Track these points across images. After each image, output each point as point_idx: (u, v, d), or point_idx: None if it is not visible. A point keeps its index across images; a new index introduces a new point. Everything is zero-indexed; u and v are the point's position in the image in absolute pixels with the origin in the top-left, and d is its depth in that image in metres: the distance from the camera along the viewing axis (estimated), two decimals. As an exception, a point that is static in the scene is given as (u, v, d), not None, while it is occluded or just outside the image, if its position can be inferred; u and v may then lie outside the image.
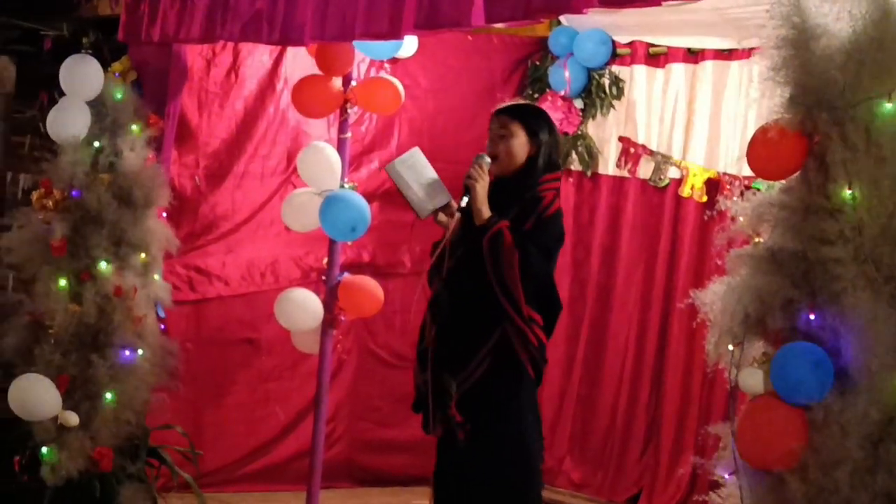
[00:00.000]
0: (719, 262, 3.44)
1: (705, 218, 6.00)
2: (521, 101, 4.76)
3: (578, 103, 6.48)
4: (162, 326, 5.39)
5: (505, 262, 4.09)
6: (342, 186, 5.41)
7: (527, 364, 4.16)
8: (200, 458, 5.60)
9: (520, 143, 4.30)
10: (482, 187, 4.17)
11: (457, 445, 4.21)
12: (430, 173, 4.31)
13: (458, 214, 4.20)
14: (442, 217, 4.31)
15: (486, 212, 4.15)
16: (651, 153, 6.36)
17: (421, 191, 4.29)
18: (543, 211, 4.24)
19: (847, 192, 2.98)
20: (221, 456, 6.08)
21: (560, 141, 4.49)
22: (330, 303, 5.48)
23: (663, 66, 6.34)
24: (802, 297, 3.05)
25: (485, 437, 4.17)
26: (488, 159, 4.26)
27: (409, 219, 6.49)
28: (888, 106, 2.95)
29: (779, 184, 3.22)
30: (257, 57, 6.02)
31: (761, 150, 3.17)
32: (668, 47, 6.29)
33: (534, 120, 4.36)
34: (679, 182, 6.25)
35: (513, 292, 4.09)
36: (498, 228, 4.12)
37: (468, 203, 4.16)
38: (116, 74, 5.40)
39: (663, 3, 3.67)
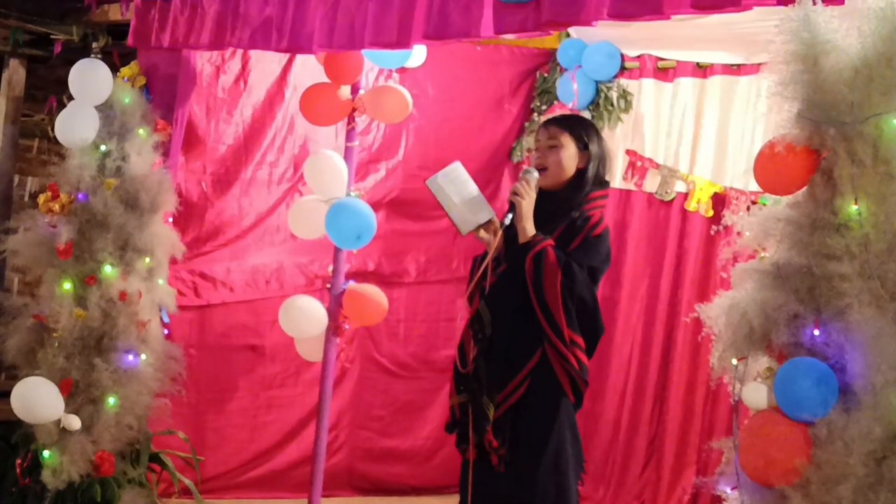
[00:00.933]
0: (724, 276, 3.44)
1: (711, 232, 6.00)
2: (570, 112, 4.63)
3: (586, 115, 6.48)
4: (166, 331, 5.40)
5: (547, 282, 3.95)
6: (349, 194, 5.42)
7: (567, 387, 4.02)
8: (202, 463, 5.61)
9: (569, 155, 4.16)
10: (528, 204, 4.03)
11: (492, 470, 4.06)
12: (473, 188, 4.14)
13: (500, 231, 4.05)
14: (483, 233, 4.13)
15: (530, 229, 4.01)
16: (658, 166, 6.36)
17: (463, 206, 4.12)
18: (591, 230, 4.09)
19: (854, 208, 2.98)
20: (223, 462, 6.08)
21: (608, 154, 4.36)
22: (334, 311, 5.49)
23: (672, 80, 6.33)
24: (807, 313, 3.05)
25: (521, 462, 4.03)
26: (536, 174, 4.12)
27: (415, 228, 6.51)
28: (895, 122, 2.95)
29: (785, 199, 3.22)
30: (266, 64, 6.02)
31: (768, 164, 3.16)
32: (677, 61, 6.29)
33: (584, 131, 4.21)
34: (685, 196, 6.25)
35: (554, 313, 3.96)
36: (542, 247, 3.98)
37: (512, 220, 4.02)
38: (125, 79, 5.42)
39: (672, 17, 3.66)
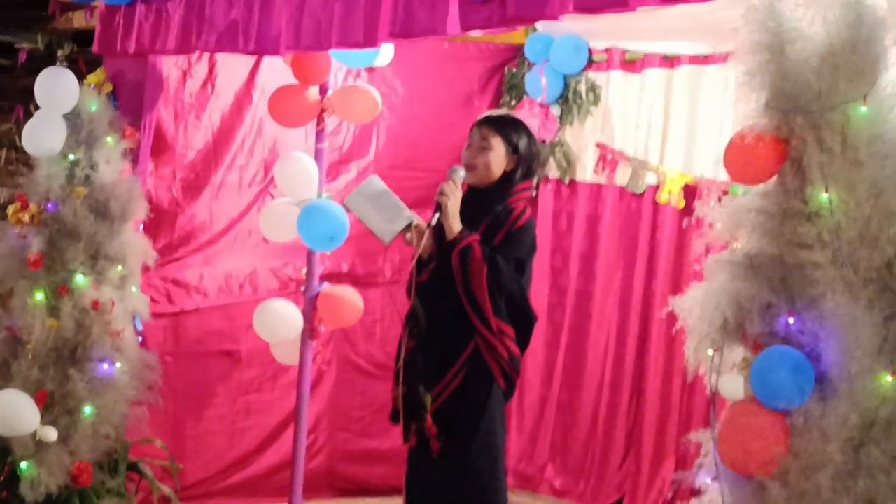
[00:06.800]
0: (697, 268, 3.45)
1: (684, 226, 6.01)
2: (504, 113, 4.81)
3: (555, 110, 6.48)
4: (140, 339, 5.36)
5: (473, 276, 4.17)
6: (320, 196, 5.40)
7: (498, 376, 4.25)
8: (181, 471, 5.57)
9: (499, 158, 4.38)
10: (454, 203, 4.24)
11: (429, 455, 4.28)
12: (389, 198, 4.39)
13: (427, 230, 4.25)
14: (408, 236, 4.35)
15: (456, 227, 4.23)
16: (628, 159, 6.36)
17: (380, 217, 4.36)
18: (514, 223, 4.31)
19: (824, 196, 2.99)
20: (202, 469, 6.04)
21: (539, 153, 4.56)
22: (309, 313, 5.46)
23: (639, 72, 6.34)
24: (781, 302, 3.05)
25: (456, 447, 4.24)
26: (462, 172, 4.33)
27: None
28: (863, 109, 2.96)
29: (756, 188, 3.23)
30: (233, 67, 5.98)
31: (738, 154, 3.17)
32: (644, 53, 6.30)
33: (515, 134, 4.41)
34: (656, 188, 6.25)
35: (481, 305, 4.17)
36: (467, 243, 4.19)
37: (439, 218, 4.23)
38: (92, 86, 5.38)
39: (637, 8, 3.66)
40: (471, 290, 4.18)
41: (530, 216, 4.41)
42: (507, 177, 4.40)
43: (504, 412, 4.40)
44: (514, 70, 6.69)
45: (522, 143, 4.41)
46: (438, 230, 4.29)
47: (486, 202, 4.37)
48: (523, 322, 4.31)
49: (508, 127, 4.45)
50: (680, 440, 6.04)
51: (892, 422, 2.89)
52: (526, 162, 4.41)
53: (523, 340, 4.32)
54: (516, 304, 4.27)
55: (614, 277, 6.47)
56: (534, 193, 6.46)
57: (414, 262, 4.34)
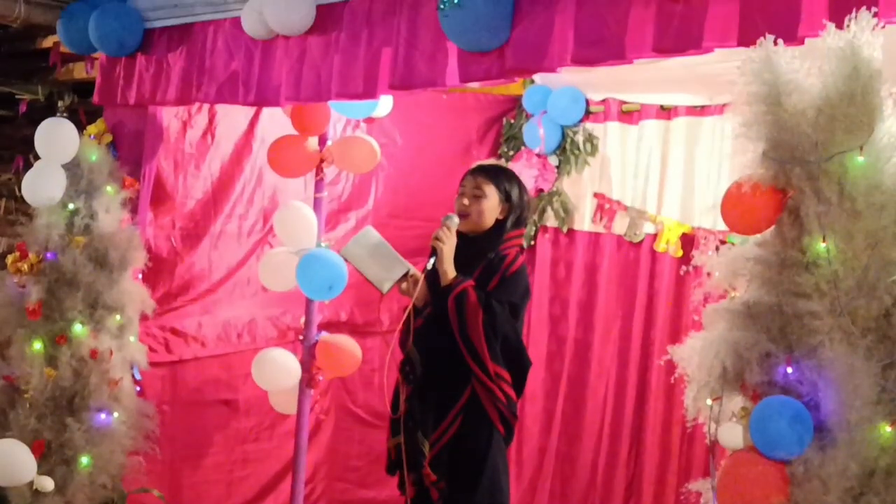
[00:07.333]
0: (696, 318, 3.45)
1: (681, 273, 6.01)
2: (497, 163, 4.88)
3: (553, 160, 6.51)
4: (138, 389, 5.35)
5: (469, 321, 4.23)
6: (319, 245, 5.41)
7: (496, 421, 4.28)
8: (178, 521, 5.56)
9: (492, 206, 4.48)
10: (448, 249, 4.32)
11: None
12: (385, 248, 4.51)
13: (421, 278, 4.35)
14: (404, 286, 4.47)
15: (451, 272, 4.31)
16: (626, 209, 6.37)
17: (377, 266, 4.49)
18: (507, 269, 4.40)
19: (822, 246, 3.00)
20: (199, 519, 6.02)
21: (530, 203, 4.68)
22: (307, 362, 5.46)
23: (636, 123, 6.36)
24: (780, 351, 3.06)
25: (458, 495, 4.27)
26: (457, 220, 4.42)
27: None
28: (860, 160, 2.98)
29: (753, 238, 3.24)
30: (233, 118, 6.00)
31: (735, 205, 3.19)
32: (641, 104, 6.33)
33: (507, 183, 4.52)
34: (654, 237, 6.26)
35: (478, 350, 4.22)
36: (462, 288, 4.27)
37: (434, 264, 4.31)
38: (92, 137, 5.40)
39: (634, 62, 3.70)
40: (467, 335, 4.23)
41: (523, 262, 4.51)
42: (499, 225, 4.49)
43: (506, 458, 4.44)
44: (513, 121, 6.73)
45: (514, 192, 4.52)
46: (433, 276, 4.36)
47: (478, 249, 4.45)
48: (519, 366, 4.36)
49: (501, 176, 4.56)
50: (680, 490, 6.01)
51: (891, 472, 2.89)
52: (517, 210, 4.52)
53: (519, 384, 4.37)
54: (512, 348, 4.33)
55: (613, 326, 6.45)
56: (531, 243, 6.48)
57: (410, 309, 4.41)
